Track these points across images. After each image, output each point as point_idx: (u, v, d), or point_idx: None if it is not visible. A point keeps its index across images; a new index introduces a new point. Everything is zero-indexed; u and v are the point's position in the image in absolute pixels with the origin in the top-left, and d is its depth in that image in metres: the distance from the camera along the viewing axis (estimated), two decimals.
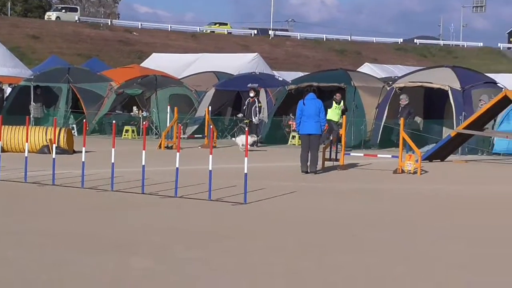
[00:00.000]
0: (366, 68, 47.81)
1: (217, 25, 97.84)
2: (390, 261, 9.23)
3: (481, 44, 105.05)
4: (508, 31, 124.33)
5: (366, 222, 12.17)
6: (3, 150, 18.21)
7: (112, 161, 14.46)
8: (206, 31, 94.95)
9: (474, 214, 13.38)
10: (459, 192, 16.28)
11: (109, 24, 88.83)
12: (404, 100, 26.34)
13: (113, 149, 14.50)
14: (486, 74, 32.57)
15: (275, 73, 41.48)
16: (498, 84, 28.49)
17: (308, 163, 18.61)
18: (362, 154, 22.32)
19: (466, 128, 22.02)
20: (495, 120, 25.00)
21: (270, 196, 14.35)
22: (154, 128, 31.38)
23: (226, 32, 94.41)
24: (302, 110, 18.88)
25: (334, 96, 26.58)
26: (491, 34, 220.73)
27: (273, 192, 14.88)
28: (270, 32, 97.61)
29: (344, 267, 8.85)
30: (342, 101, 26.68)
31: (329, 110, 25.56)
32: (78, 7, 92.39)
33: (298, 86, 29.06)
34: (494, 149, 25.48)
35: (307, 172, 18.54)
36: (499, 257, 9.59)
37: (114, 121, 17.66)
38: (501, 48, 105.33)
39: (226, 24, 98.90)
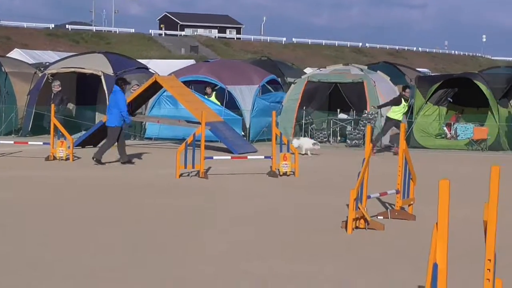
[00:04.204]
0: (16, 53, 46.43)
1: None
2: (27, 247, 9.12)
3: (133, 30, 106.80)
4: (159, 18, 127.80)
5: (16, 211, 11.90)
6: None
7: None
8: None
9: (117, 197, 13.59)
10: (108, 178, 16.44)
11: None
12: (56, 86, 26.02)
13: None
14: (139, 60, 33.21)
15: None
16: (150, 70, 29.11)
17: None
18: (12, 142, 21.70)
19: None
20: (146, 105, 25.55)
21: None
22: None
23: None
24: None
25: (403, 93, 23.11)
26: (143, 21, 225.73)
27: None
28: None
29: None
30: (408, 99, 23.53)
31: (393, 108, 22.87)
32: None
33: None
34: (146, 134, 26.05)
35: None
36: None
37: None
38: (153, 35, 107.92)
39: None
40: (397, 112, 22.72)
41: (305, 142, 22.26)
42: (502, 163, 19.76)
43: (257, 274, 8.23)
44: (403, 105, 22.79)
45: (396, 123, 22.16)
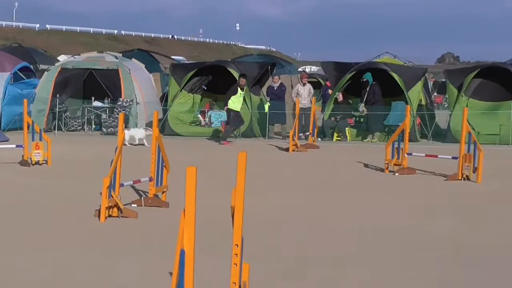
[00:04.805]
0: None
1: None
2: None
3: None
4: None
5: None
6: None
7: None
8: None
9: None
10: None
11: None
12: None
13: None
14: None
15: None
16: None
17: None
18: None
19: None
20: None
21: None
22: None
23: None
24: None
25: (239, 82, 23.28)
26: None
27: None
28: None
29: None
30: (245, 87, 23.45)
31: (233, 98, 22.77)
32: None
33: None
34: None
35: None
36: None
37: None
38: None
39: None
40: (235, 102, 23.12)
41: (137, 132, 21.81)
42: (251, 149, 20.45)
43: (9, 266, 7.94)
44: (239, 93, 23.18)
45: (237, 113, 22.99)
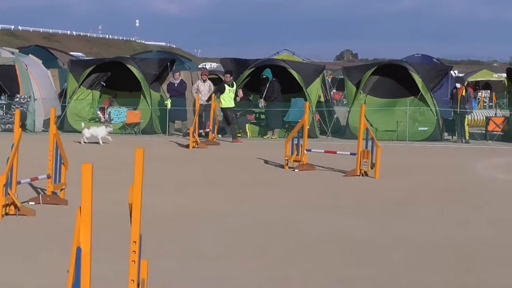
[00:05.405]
0: None
1: None
2: None
3: None
4: None
5: None
6: None
7: None
8: None
9: None
10: None
11: None
12: None
13: None
14: None
15: None
16: None
17: None
18: None
19: None
20: None
21: None
22: None
23: None
24: None
25: (225, 79, 22.99)
26: None
27: None
28: None
29: None
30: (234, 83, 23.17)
31: (222, 97, 22.38)
32: None
33: None
34: None
35: None
36: None
37: None
38: None
39: None
40: (226, 100, 23.03)
41: (98, 131, 21.30)
42: (151, 146, 20.37)
43: None
44: (228, 90, 23.17)
45: (225, 112, 22.97)
